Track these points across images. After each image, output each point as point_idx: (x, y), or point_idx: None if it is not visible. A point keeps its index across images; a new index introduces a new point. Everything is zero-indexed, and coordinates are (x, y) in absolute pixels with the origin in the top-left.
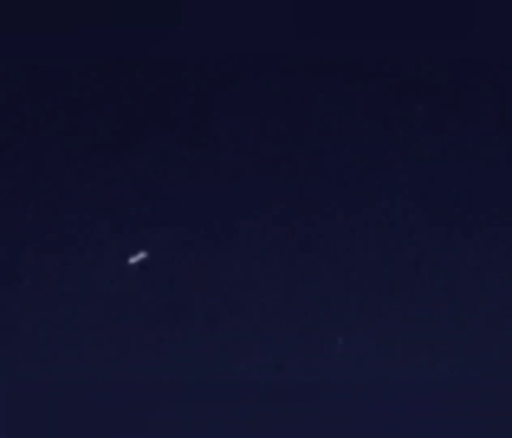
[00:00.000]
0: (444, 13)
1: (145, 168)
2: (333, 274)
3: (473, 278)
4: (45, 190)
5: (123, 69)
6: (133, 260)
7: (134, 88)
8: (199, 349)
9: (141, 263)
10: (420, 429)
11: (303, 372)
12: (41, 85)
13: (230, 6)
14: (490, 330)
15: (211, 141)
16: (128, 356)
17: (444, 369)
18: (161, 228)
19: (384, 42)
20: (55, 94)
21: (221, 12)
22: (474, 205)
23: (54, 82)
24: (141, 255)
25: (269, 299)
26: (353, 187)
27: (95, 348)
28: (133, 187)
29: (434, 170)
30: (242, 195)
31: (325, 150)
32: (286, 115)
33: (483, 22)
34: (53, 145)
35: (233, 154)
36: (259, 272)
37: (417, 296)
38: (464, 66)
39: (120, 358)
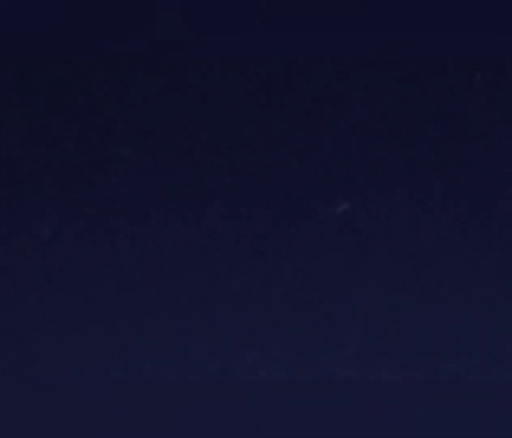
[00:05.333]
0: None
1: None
2: (333, 272)
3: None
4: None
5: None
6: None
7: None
8: (200, 349)
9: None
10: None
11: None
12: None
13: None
14: (491, 328)
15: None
16: (128, 357)
17: (450, 369)
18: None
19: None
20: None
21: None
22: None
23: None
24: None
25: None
26: (357, 187)
27: (99, 348)
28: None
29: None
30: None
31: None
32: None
33: (483, 22)
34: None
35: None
36: (254, 278)
37: (421, 296)
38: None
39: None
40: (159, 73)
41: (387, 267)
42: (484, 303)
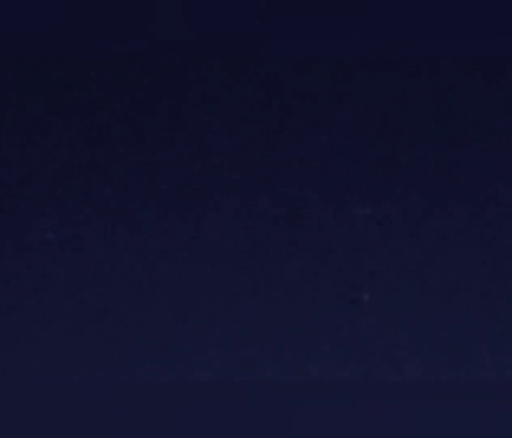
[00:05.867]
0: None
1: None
2: (334, 273)
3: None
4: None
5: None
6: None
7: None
8: (200, 349)
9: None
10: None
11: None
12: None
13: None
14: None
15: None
16: (128, 357)
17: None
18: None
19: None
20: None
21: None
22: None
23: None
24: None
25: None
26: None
27: (98, 348)
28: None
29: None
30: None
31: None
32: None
33: (483, 22)
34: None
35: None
36: (256, 277)
37: (421, 293)
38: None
39: (119, 358)
40: (159, 73)
41: (387, 267)
42: (484, 303)
